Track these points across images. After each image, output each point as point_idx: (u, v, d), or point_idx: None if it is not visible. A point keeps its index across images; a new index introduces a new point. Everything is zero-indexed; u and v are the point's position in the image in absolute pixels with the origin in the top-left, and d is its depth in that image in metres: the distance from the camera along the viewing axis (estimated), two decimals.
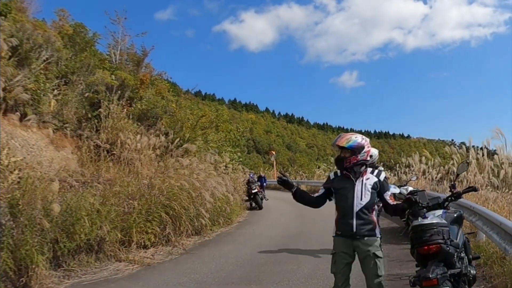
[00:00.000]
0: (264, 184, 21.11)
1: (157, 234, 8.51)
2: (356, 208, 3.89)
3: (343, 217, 3.97)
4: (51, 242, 6.12)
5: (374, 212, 3.96)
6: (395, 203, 4.04)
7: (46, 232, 5.93)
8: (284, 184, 4.22)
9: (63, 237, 6.35)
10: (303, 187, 25.66)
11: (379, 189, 3.97)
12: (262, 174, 22.05)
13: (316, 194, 4.26)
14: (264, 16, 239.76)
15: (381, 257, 3.86)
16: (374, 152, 6.82)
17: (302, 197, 4.29)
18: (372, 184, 3.95)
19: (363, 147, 4.00)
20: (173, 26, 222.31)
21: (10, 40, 9.55)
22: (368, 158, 4.12)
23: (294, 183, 4.27)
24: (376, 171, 4.09)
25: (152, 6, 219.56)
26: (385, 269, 3.93)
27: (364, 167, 4.04)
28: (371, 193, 3.92)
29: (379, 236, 3.95)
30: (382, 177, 4.02)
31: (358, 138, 4.02)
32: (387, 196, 4.00)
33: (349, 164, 3.99)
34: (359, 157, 3.98)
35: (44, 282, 5.72)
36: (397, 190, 8.79)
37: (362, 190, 3.93)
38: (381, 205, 4.14)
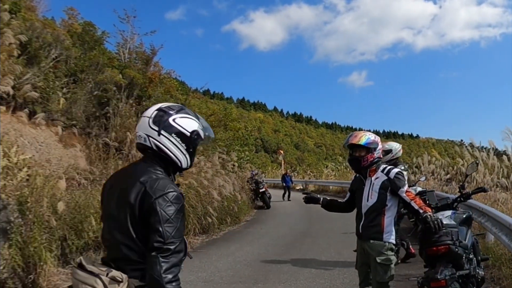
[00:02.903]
0: (289, 184, 20.68)
1: None
2: (364, 209, 3.82)
3: (356, 218, 3.94)
4: (60, 239, 6.14)
5: (385, 215, 3.72)
6: (413, 200, 3.64)
7: (55, 229, 5.95)
8: (311, 201, 4.17)
9: (71, 235, 6.38)
10: (310, 187, 25.71)
11: (391, 188, 3.71)
12: (288, 173, 21.41)
13: (344, 199, 4.22)
14: (273, 16, 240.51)
15: (384, 264, 3.68)
16: (394, 146, 6.74)
17: (330, 206, 4.26)
18: (380, 183, 3.74)
19: (377, 144, 3.87)
20: (182, 25, 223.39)
21: (18, 37, 9.59)
22: (381, 156, 3.96)
23: (318, 196, 4.21)
24: (388, 168, 3.83)
25: (163, 6, 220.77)
26: (391, 274, 3.80)
27: (373, 165, 3.87)
28: (379, 193, 3.72)
29: (389, 241, 3.70)
30: (392, 174, 3.73)
31: (372, 135, 3.89)
32: (403, 193, 3.67)
33: (367, 163, 3.84)
34: (375, 154, 3.84)
35: (52, 279, 5.73)
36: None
37: (369, 191, 3.80)
38: (402, 210, 4.00)
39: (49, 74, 10.76)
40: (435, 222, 3.41)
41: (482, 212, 7.38)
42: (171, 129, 2.06)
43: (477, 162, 8.05)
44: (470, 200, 5.49)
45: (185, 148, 2.11)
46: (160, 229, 1.84)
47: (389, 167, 3.87)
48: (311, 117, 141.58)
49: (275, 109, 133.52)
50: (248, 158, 22.84)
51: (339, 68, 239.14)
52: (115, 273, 1.86)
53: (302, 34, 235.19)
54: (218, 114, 20.62)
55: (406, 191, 3.68)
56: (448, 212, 4.28)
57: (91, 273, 1.88)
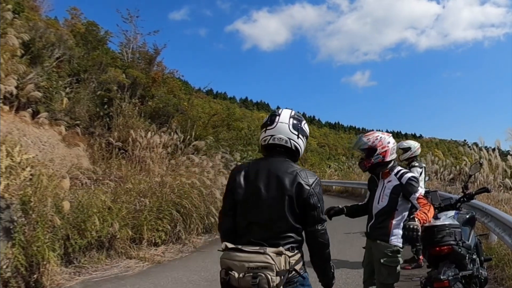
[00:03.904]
0: None
1: (167, 232, 8.53)
2: (374, 211, 3.82)
3: (367, 217, 3.95)
4: (63, 239, 6.14)
5: (394, 219, 3.71)
6: (423, 207, 3.57)
7: (58, 229, 5.95)
8: (336, 215, 4.08)
9: (74, 234, 6.37)
10: None
11: (403, 193, 3.69)
12: None
13: (365, 200, 4.22)
14: (277, 16, 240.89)
15: (388, 265, 3.69)
16: (412, 144, 6.69)
17: (354, 212, 4.18)
18: (391, 188, 3.74)
19: (374, 149, 3.79)
20: (186, 25, 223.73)
21: (22, 36, 9.60)
22: (389, 159, 3.83)
23: (341, 207, 4.11)
24: (401, 172, 3.78)
25: (167, 6, 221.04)
26: (395, 277, 3.79)
27: (385, 167, 3.85)
28: (390, 198, 3.71)
29: (395, 244, 3.69)
30: (404, 179, 3.69)
31: (370, 140, 3.83)
32: (414, 200, 3.64)
33: (365, 168, 3.88)
34: (372, 160, 3.80)
35: (55, 279, 5.74)
36: None
37: (381, 194, 3.80)
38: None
39: (52, 73, 10.78)
40: (411, 232, 3.31)
41: (485, 213, 7.36)
42: (303, 133, 2.57)
43: (481, 162, 8.02)
44: (473, 200, 5.47)
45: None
46: (319, 205, 2.41)
47: (402, 171, 3.82)
48: (314, 116, 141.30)
49: (278, 109, 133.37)
50: (251, 157, 22.82)
51: (342, 68, 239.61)
52: (273, 249, 2.24)
53: (306, 34, 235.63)
54: (221, 114, 20.60)
55: (418, 198, 3.64)
56: (451, 212, 4.25)
57: (255, 252, 2.22)
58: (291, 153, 2.53)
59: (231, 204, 2.52)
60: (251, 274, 2.17)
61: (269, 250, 2.22)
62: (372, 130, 4.58)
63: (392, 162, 3.90)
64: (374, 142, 3.82)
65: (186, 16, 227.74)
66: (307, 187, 2.38)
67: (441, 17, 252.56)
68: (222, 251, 2.38)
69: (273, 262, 2.18)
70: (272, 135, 2.51)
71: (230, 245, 2.33)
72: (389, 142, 3.86)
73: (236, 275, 2.21)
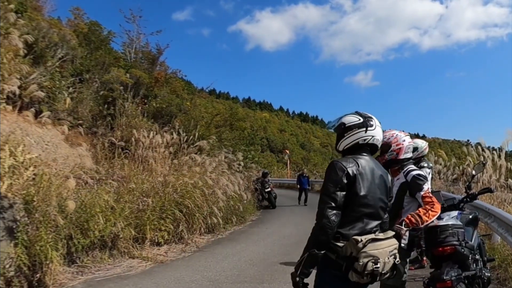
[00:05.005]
0: (307, 187, 18.97)
1: (170, 231, 8.54)
2: None
3: None
4: (65, 238, 6.14)
5: (400, 217, 3.58)
6: (427, 205, 3.52)
7: (61, 228, 5.95)
8: None
9: (77, 234, 6.38)
10: (317, 187, 25.62)
11: (409, 190, 3.70)
12: (305, 173, 20.26)
13: None
14: (280, 16, 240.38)
15: None
16: (420, 144, 6.67)
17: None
18: (399, 185, 3.75)
19: (389, 146, 3.83)
20: (189, 26, 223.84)
21: (25, 37, 9.62)
22: (402, 157, 3.85)
23: None
24: (408, 170, 3.79)
25: (170, 7, 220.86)
26: (396, 279, 3.76)
27: (398, 165, 3.85)
28: (396, 195, 3.67)
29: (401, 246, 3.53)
30: (409, 177, 3.71)
31: (386, 136, 3.85)
32: (419, 198, 3.62)
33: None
34: (386, 156, 3.83)
35: (58, 278, 5.75)
36: None
37: None
38: None
39: (55, 73, 10.80)
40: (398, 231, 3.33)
41: (488, 213, 7.32)
42: None
43: (484, 162, 7.96)
44: (476, 201, 5.45)
45: None
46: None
47: (409, 169, 3.82)
48: (317, 116, 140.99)
49: (281, 108, 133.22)
50: (254, 157, 22.83)
51: (345, 68, 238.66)
52: (388, 233, 2.62)
53: (308, 34, 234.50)
54: (224, 114, 20.63)
55: (424, 196, 3.60)
56: (455, 213, 4.24)
57: (388, 238, 2.54)
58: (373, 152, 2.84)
59: None
60: None
61: (392, 235, 2.68)
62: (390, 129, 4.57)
63: (406, 161, 3.89)
64: (389, 138, 3.86)
65: (190, 16, 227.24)
66: (390, 179, 2.85)
67: (444, 17, 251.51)
68: None
69: None
70: (379, 138, 2.78)
71: (365, 238, 2.47)
72: (404, 140, 3.88)
73: None
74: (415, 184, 3.66)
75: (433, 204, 3.56)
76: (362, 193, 2.52)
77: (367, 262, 2.35)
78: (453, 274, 3.63)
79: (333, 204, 2.45)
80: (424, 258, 6.63)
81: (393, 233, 2.63)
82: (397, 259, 2.52)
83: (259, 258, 7.86)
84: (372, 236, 2.44)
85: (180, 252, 8.32)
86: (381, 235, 2.50)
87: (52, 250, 5.59)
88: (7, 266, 5.18)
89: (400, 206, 3.71)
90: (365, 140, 2.70)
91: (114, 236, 7.22)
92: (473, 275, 3.88)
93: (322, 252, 2.46)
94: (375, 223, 2.58)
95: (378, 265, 2.38)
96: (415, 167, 3.90)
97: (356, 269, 2.36)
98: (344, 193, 2.48)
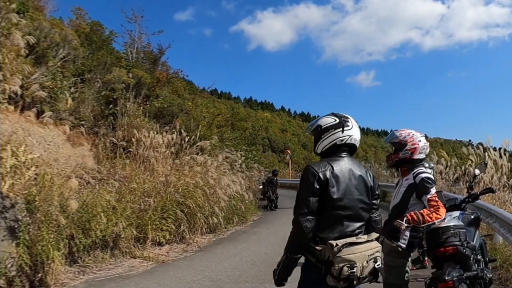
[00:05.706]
0: None
1: (172, 231, 8.55)
2: (390, 206, 3.87)
3: None
4: (67, 238, 6.16)
5: (404, 217, 3.57)
6: (431, 208, 3.54)
7: (62, 228, 5.96)
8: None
9: (79, 233, 6.39)
10: None
11: (416, 192, 3.69)
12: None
13: None
14: (281, 16, 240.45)
15: (388, 264, 3.71)
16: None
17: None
18: (406, 186, 3.76)
19: (404, 144, 3.84)
20: (191, 26, 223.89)
21: (27, 38, 9.62)
22: (416, 157, 3.86)
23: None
24: (417, 171, 3.77)
25: (172, 7, 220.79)
26: (398, 278, 3.77)
27: (410, 165, 3.85)
28: (403, 196, 3.75)
29: (398, 244, 3.57)
30: (418, 179, 3.70)
31: (402, 135, 3.88)
32: (425, 201, 3.61)
33: (392, 161, 3.90)
34: (400, 154, 3.84)
35: (59, 278, 5.76)
36: None
37: (397, 191, 3.84)
38: None
39: (57, 73, 10.79)
40: (392, 228, 3.43)
41: (490, 213, 7.32)
42: None
43: (486, 162, 7.95)
44: (478, 201, 5.45)
45: None
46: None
47: (419, 171, 3.80)
48: (318, 116, 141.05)
49: (282, 108, 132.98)
50: (256, 158, 22.83)
51: (347, 68, 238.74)
52: (371, 235, 2.56)
53: (310, 34, 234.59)
54: (226, 114, 20.64)
55: (430, 199, 3.59)
56: (456, 213, 4.24)
57: (368, 242, 2.47)
58: (353, 152, 2.79)
59: None
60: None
61: (371, 237, 2.58)
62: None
63: (419, 162, 3.88)
64: (405, 137, 3.86)
65: (191, 16, 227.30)
66: (375, 181, 2.77)
67: (446, 17, 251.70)
68: None
69: None
70: (355, 137, 2.74)
71: (341, 243, 2.45)
72: (420, 141, 3.88)
73: None
74: (423, 186, 3.65)
75: (438, 208, 3.57)
76: (336, 196, 2.50)
77: (343, 266, 2.33)
78: (454, 274, 3.63)
79: (305, 210, 2.46)
80: (426, 258, 6.62)
81: (377, 235, 2.58)
82: (378, 263, 2.47)
83: (261, 258, 7.86)
84: (348, 240, 2.42)
85: (182, 252, 8.32)
86: (363, 238, 2.48)
87: (54, 250, 5.60)
88: (9, 265, 5.19)
89: (405, 206, 3.71)
90: (342, 140, 2.69)
91: (116, 236, 7.22)
92: (474, 276, 3.87)
93: (298, 256, 2.54)
94: (357, 224, 2.56)
95: (354, 270, 2.34)
96: (425, 170, 3.88)
97: (332, 274, 2.36)
98: (316, 198, 2.48)
